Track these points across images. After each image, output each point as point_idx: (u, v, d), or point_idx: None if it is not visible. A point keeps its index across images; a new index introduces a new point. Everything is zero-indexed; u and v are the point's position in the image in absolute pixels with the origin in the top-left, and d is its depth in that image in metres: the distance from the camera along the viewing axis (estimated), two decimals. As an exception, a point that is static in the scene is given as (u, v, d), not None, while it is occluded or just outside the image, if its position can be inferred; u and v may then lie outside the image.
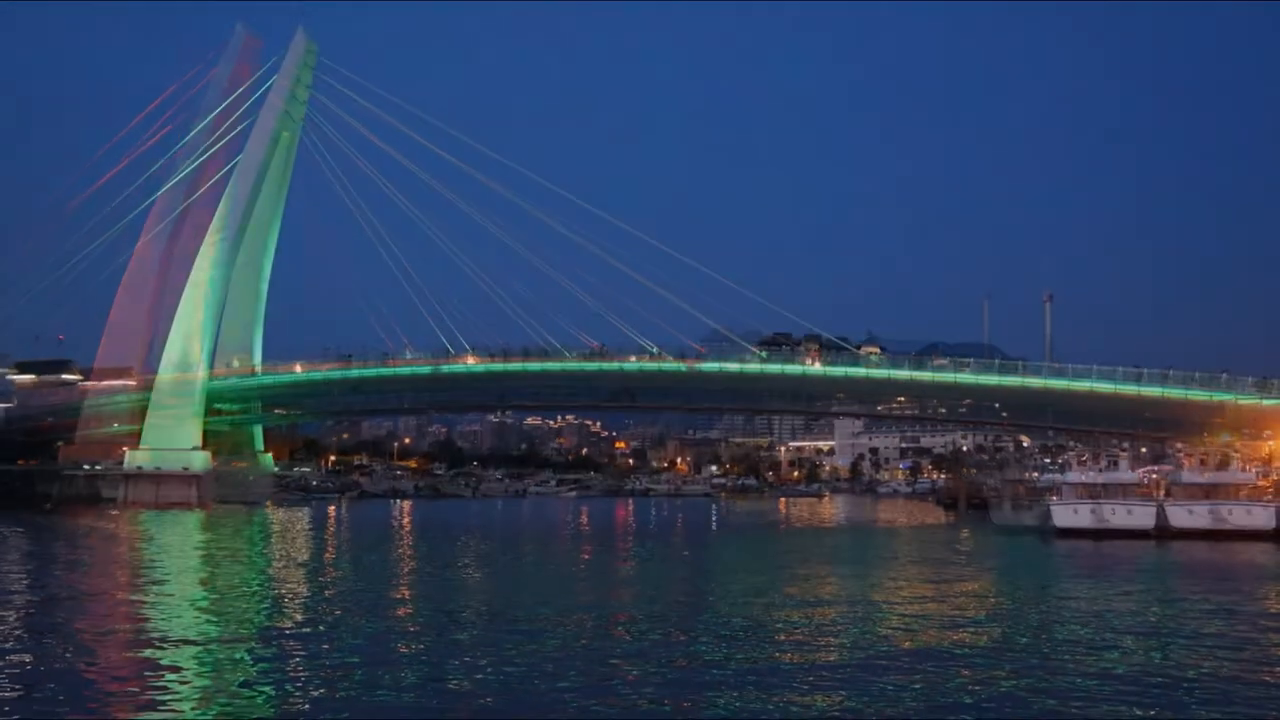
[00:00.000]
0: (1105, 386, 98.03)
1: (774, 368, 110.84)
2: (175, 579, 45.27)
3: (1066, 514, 74.70)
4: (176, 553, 59.84)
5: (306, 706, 20.40)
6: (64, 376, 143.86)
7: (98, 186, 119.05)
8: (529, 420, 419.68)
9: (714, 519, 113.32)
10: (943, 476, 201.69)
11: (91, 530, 79.07)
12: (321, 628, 31.10)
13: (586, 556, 61.23)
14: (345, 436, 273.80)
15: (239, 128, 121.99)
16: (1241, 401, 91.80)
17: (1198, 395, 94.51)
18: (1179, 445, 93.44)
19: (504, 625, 31.19)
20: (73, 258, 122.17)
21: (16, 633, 29.83)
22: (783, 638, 29.68)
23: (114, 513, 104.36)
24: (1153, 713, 20.08)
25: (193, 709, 20.26)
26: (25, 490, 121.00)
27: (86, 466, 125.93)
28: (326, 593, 40.97)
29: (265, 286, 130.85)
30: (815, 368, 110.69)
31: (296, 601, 37.73)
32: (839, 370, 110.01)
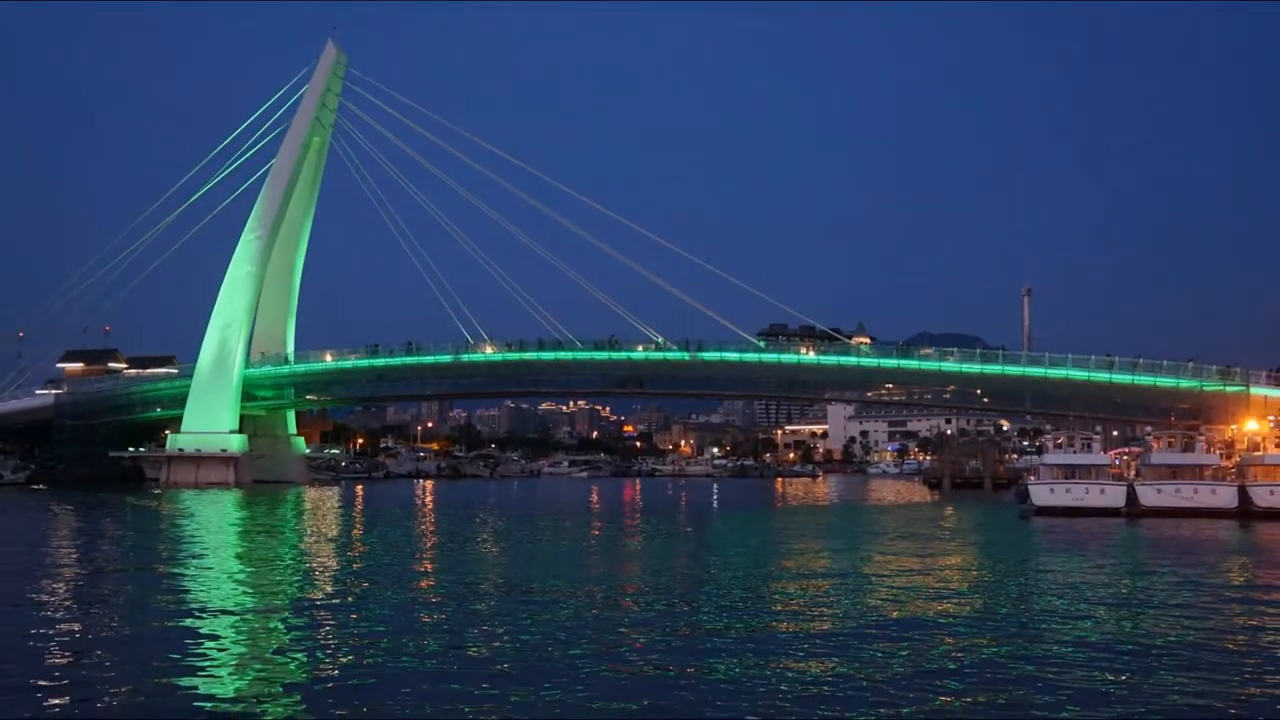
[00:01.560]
0: (1079, 374, 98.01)
1: (770, 356, 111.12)
2: (214, 553, 45.38)
3: (1044, 493, 74.64)
4: (216, 529, 59.96)
5: (336, 672, 20.46)
6: (110, 365, 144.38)
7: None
8: (543, 406, 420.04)
9: (715, 498, 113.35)
10: (929, 458, 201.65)
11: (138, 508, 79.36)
12: (350, 599, 31.19)
13: (596, 532, 61.30)
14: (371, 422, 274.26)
15: (274, 133, 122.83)
16: (1207, 389, 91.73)
17: (1165, 382, 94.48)
18: (1148, 429, 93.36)
19: (520, 597, 31.23)
20: (117, 255, 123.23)
21: (67, 603, 29.98)
22: (779, 608, 29.71)
23: (156, 491, 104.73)
24: (1124, 677, 20.08)
25: (229, 674, 20.35)
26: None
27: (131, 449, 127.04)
28: (355, 565, 41.04)
29: (298, 281, 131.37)
30: (809, 356, 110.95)
31: (327, 574, 37.81)
32: (831, 359, 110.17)
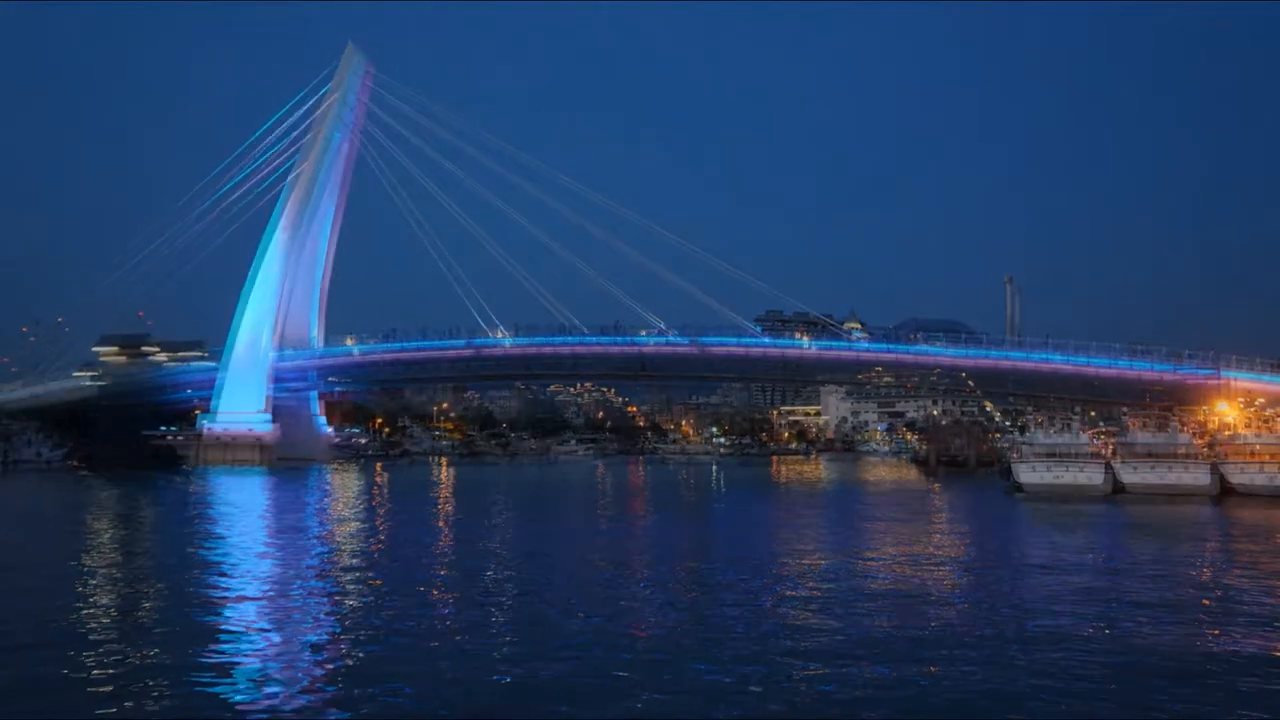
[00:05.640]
0: (1058, 359, 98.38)
1: (768, 341, 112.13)
2: (247, 527, 45.63)
3: (1027, 472, 74.75)
4: (249, 505, 60.24)
5: (379, 648, 20.81)
6: (144, 349, 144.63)
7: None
8: (552, 389, 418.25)
9: (716, 475, 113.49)
10: (917, 438, 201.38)
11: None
12: (393, 580, 31.47)
13: (638, 510, 61.60)
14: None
15: (302, 126, 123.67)
16: (1180, 372, 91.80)
17: (1141, 367, 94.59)
18: (1125, 410, 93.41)
19: (546, 562, 31.53)
20: (151, 244, 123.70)
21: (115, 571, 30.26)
22: (781, 574, 29.97)
23: (188, 469, 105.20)
24: (1103, 635, 20.36)
25: (272, 642, 20.70)
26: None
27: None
28: (383, 538, 41.29)
29: (323, 272, 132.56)
30: (804, 340, 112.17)
31: (352, 548, 38.05)
32: (824, 342, 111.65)
